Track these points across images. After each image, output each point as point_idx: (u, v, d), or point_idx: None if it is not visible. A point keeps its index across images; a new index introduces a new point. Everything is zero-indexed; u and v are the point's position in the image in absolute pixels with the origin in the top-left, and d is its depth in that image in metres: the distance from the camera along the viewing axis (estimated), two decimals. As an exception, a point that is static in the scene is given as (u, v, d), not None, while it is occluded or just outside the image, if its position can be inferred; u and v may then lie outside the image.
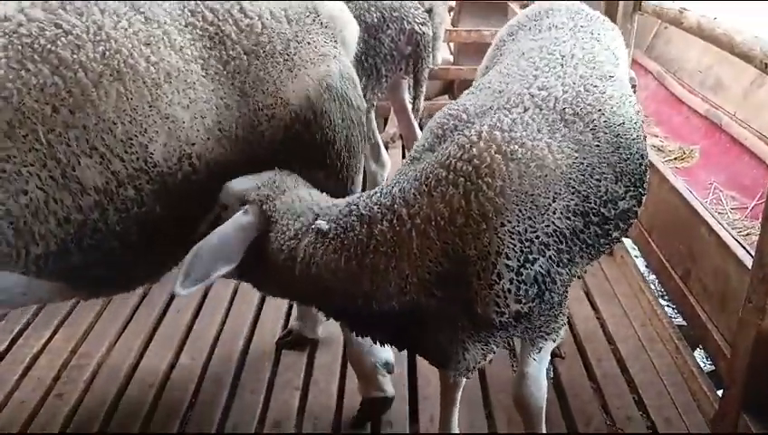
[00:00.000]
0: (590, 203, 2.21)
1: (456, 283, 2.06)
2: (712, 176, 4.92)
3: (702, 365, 3.68)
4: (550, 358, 3.67)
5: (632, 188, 2.38)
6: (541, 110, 2.23)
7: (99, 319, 4.06)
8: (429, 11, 4.32)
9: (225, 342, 3.87)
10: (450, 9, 7.47)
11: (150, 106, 2.28)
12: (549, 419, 2.88)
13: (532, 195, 2.06)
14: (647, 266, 4.61)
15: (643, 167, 2.46)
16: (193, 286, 2.12)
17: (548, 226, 2.09)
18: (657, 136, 5.71)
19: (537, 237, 2.07)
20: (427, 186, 2.08)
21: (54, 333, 3.96)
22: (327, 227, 2.21)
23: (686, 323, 3.90)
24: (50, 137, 2.13)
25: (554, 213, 2.11)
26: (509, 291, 2.06)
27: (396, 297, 2.13)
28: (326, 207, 2.30)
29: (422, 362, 3.53)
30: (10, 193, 2.07)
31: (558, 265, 2.14)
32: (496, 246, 2.02)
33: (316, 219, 2.25)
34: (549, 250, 2.10)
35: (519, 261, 2.05)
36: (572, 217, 2.15)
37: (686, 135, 5.64)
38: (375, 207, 2.16)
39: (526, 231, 2.05)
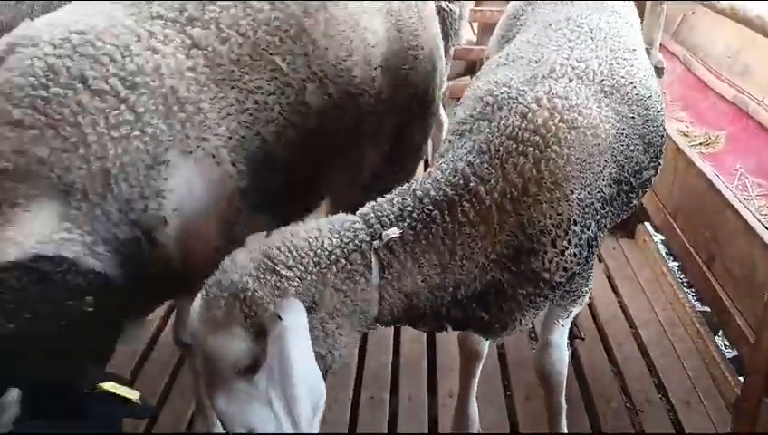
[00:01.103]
0: (625, 172, 2.27)
1: (529, 253, 2.06)
2: (738, 162, 4.86)
3: (723, 351, 3.67)
4: (570, 340, 3.72)
5: (655, 159, 2.51)
6: (582, 81, 2.24)
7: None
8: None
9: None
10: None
11: (353, 30, 2.54)
12: (568, 399, 2.89)
13: (590, 163, 2.10)
14: (668, 252, 4.59)
15: (663, 139, 2.60)
16: (314, 425, 1.80)
17: (599, 192, 2.14)
18: (682, 121, 5.64)
19: (592, 203, 2.12)
20: (498, 159, 2.02)
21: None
22: (399, 231, 1.94)
23: (707, 310, 3.88)
24: (283, 66, 2.33)
25: (603, 180, 2.15)
26: (574, 255, 2.11)
27: (480, 278, 2.05)
28: (367, 217, 1.99)
29: (440, 337, 3.57)
30: (262, 122, 2.27)
31: (599, 230, 2.21)
32: (568, 213, 2.06)
33: (374, 236, 1.94)
34: (597, 215, 2.16)
35: (581, 226, 2.10)
36: (612, 185, 2.20)
37: (712, 120, 5.57)
38: (448, 190, 2.01)
39: (586, 198, 2.10)
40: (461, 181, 2.01)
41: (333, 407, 3.20)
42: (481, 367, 2.93)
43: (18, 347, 1.81)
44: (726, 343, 3.97)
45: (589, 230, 2.13)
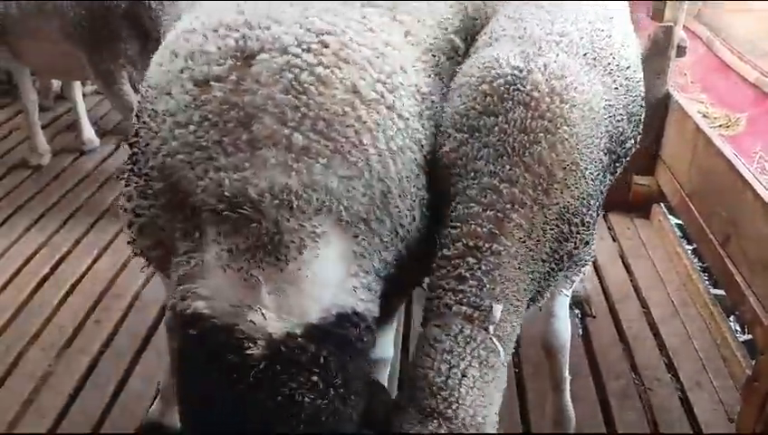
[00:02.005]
0: (613, 142, 2.27)
1: (567, 238, 2.06)
2: (758, 144, 4.81)
3: (735, 334, 3.65)
4: (581, 317, 3.72)
5: (635, 128, 2.51)
6: (568, 55, 2.22)
7: (137, 252, 4.15)
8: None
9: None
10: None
11: None
12: (577, 375, 2.90)
13: (591, 136, 2.10)
14: (683, 234, 4.56)
15: (643, 108, 2.58)
16: None
17: (600, 163, 2.15)
18: (702, 102, 5.58)
19: (598, 175, 2.13)
20: (517, 155, 1.99)
21: (96, 260, 4.05)
22: (500, 305, 1.87)
23: (721, 292, 3.86)
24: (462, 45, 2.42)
25: (601, 151, 2.16)
26: (591, 228, 2.15)
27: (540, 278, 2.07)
28: (463, 312, 1.88)
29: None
30: None
31: (600, 200, 2.23)
32: (587, 190, 2.07)
33: (485, 325, 1.86)
34: (602, 185, 2.19)
35: (596, 199, 2.14)
36: (605, 155, 2.21)
37: (733, 102, 5.51)
38: (490, 213, 1.93)
39: (594, 170, 2.11)
40: (494, 196, 1.96)
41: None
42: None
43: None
44: (738, 327, 3.96)
45: (598, 201, 2.17)
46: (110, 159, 5.45)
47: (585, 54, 2.25)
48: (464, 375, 1.80)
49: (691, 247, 4.48)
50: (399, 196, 1.88)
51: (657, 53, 4.32)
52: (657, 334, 3.61)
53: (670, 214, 4.63)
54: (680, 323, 3.67)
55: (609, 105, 2.23)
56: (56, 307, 3.67)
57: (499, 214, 1.94)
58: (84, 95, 5.74)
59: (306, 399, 1.62)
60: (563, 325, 2.70)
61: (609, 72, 2.30)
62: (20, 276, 3.90)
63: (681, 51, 4.41)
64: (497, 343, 1.88)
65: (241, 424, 1.62)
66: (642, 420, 3.11)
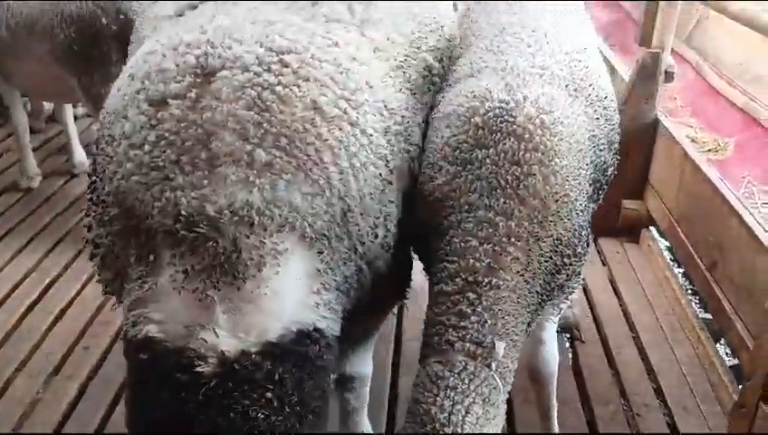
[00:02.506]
0: (597, 172, 2.30)
1: (560, 270, 2.08)
2: (746, 169, 4.85)
3: (724, 358, 3.66)
4: (570, 342, 3.73)
5: (615, 156, 2.54)
6: (552, 87, 2.25)
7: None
8: None
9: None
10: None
11: None
12: (566, 401, 2.89)
13: (579, 168, 2.13)
14: (672, 258, 4.57)
15: (619, 136, 2.62)
16: None
17: (587, 194, 2.17)
18: (691, 127, 5.62)
19: (586, 206, 2.15)
20: (510, 188, 2.01)
21: (84, 285, 4.04)
22: (503, 343, 1.89)
23: (710, 317, 3.87)
24: (436, 64, 2.45)
25: (587, 182, 2.18)
26: (582, 258, 2.17)
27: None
28: (466, 350, 1.90)
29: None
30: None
31: (588, 230, 2.25)
32: (578, 221, 2.10)
33: (487, 361, 1.88)
34: (588, 215, 2.20)
35: (587, 230, 2.16)
36: (590, 186, 2.23)
37: (721, 127, 5.55)
38: (487, 247, 1.96)
39: (583, 201, 2.13)
40: (491, 229, 1.97)
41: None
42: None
43: None
44: (728, 351, 3.96)
45: (588, 231, 2.18)
46: (102, 181, 5.43)
47: (567, 86, 2.28)
48: (467, 412, 1.81)
49: (681, 271, 4.50)
50: (361, 214, 1.86)
51: (645, 79, 4.36)
52: (645, 359, 3.62)
53: (660, 237, 4.65)
54: (669, 347, 3.68)
55: (593, 136, 2.25)
56: (44, 333, 3.66)
57: (496, 248, 1.95)
58: (75, 118, 5.74)
59: (260, 415, 1.60)
60: (551, 353, 2.70)
61: (590, 103, 2.33)
62: (8, 301, 3.89)
63: (669, 76, 4.45)
64: (499, 380, 1.89)
65: None
66: (631, 447, 3.11)
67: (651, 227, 4.66)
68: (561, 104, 2.17)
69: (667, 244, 4.61)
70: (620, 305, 4.04)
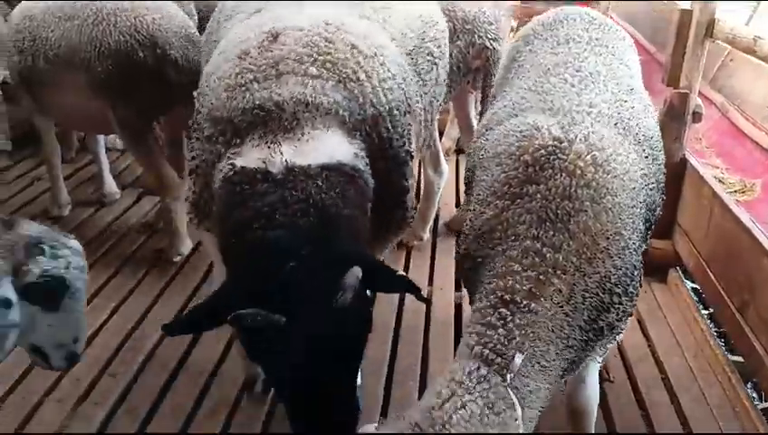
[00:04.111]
0: (649, 211, 2.31)
1: (608, 308, 2.06)
2: (773, 211, 4.83)
3: (754, 401, 3.61)
4: (599, 381, 3.69)
5: (662, 196, 2.56)
6: (602, 126, 2.25)
7: (154, 305, 4.17)
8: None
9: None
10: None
11: None
12: (595, 441, 2.84)
13: (632, 206, 2.14)
14: (698, 299, 4.54)
15: (664, 175, 2.63)
16: None
17: (640, 233, 2.17)
18: (718, 168, 5.63)
19: (639, 245, 2.16)
20: (561, 222, 2.02)
21: (113, 313, 4.06)
22: (522, 355, 1.92)
23: (739, 359, 3.83)
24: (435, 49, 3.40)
25: (639, 221, 2.18)
26: (634, 298, 2.16)
27: (576, 347, 2.05)
28: (484, 356, 1.93)
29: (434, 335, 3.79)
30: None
31: (641, 270, 2.23)
32: (631, 260, 2.09)
33: (502, 372, 1.90)
34: (639, 255, 2.18)
35: (639, 269, 2.15)
36: (643, 224, 2.23)
37: (747, 168, 5.56)
38: (531, 273, 1.99)
39: (636, 240, 2.13)
40: (537, 259, 1.99)
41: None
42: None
43: (337, 228, 2.27)
44: (756, 394, 3.91)
45: (640, 270, 2.17)
46: (130, 211, 5.51)
47: (616, 125, 2.29)
48: (463, 406, 1.81)
49: (707, 312, 4.46)
50: (390, 121, 2.60)
51: (674, 119, 4.38)
52: (674, 400, 3.57)
53: (686, 278, 4.62)
54: (698, 389, 3.63)
55: (644, 174, 2.26)
56: (73, 359, 3.66)
57: (541, 277, 1.97)
58: (107, 149, 5.83)
59: (320, 201, 2.26)
60: (593, 392, 2.66)
61: (639, 142, 2.34)
62: (37, 327, 3.90)
63: (697, 117, 4.47)
64: (512, 395, 1.87)
65: (271, 226, 2.20)
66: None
67: (678, 267, 4.63)
68: (612, 142, 2.18)
69: (694, 284, 4.58)
70: (649, 346, 4.00)
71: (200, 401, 3.42)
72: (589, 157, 2.09)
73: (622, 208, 2.07)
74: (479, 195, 2.22)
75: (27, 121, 6.38)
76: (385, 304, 4.09)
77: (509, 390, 1.88)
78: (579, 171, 2.07)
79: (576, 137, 2.15)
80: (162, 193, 4.61)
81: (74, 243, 2.49)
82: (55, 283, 2.37)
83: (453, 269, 4.44)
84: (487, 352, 1.92)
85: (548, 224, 2.03)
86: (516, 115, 2.39)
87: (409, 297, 2.62)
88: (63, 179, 5.42)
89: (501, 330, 1.93)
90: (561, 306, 1.96)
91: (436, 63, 3.30)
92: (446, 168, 4.92)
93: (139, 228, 5.19)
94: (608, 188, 2.06)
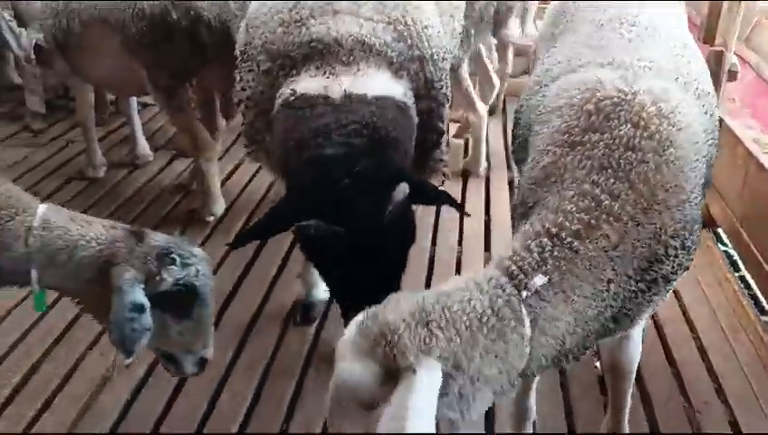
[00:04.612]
0: (707, 168, 2.28)
1: (661, 260, 2.05)
2: (809, 171, 4.76)
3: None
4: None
5: (716, 153, 2.50)
6: (662, 79, 2.24)
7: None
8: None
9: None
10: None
11: None
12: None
13: (695, 160, 2.12)
14: (730, 258, 4.52)
15: (719, 134, 2.58)
16: None
17: (700, 188, 2.17)
18: (752, 128, 5.54)
19: (699, 200, 2.15)
20: (622, 171, 2.01)
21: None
22: (545, 277, 1.91)
23: (771, 318, 3.83)
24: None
25: (701, 176, 2.17)
26: (692, 252, 2.15)
27: (623, 296, 2.04)
28: (509, 270, 1.93)
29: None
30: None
31: (700, 225, 2.22)
32: (691, 214, 2.08)
33: (521, 287, 1.89)
34: (698, 209, 2.17)
35: (699, 224, 2.15)
36: (702, 180, 2.21)
37: (783, 129, 5.47)
38: (583, 216, 1.98)
39: (698, 194, 2.13)
40: (592, 204, 1.99)
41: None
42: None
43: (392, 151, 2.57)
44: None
45: (699, 224, 2.16)
46: (163, 173, 5.59)
47: (677, 79, 2.27)
48: (469, 300, 1.84)
49: (739, 274, 4.44)
50: (433, 64, 2.90)
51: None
52: (706, 359, 3.59)
53: (717, 241, 4.60)
54: (729, 348, 3.64)
55: (705, 130, 2.24)
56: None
57: (592, 221, 1.97)
58: (138, 110, 5.89)
59: (371, 124, 2.54)
60: (635, 348, 2.64)
61: (698, 97, 2.32)
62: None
63: (732, 75, 4.41)
64: (524, 310, 1.86)
65: (329, 144, 2.49)
66: (692, 444, 3.09)
67: (711, 229, 4.61)
68: (676, 96, 2.17)
69: (725, 248, 4.56)
70: (680, 305, 4.01)
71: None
72: (653, 108, 2.08)
73: (685, 162, 2.05)
74: (537, 146, 2.22)
75: (61, 84, 6.50)
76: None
77: (522, 305, 1.88)
78: (643, 122, 2.06)
79: (640, 89, 2.13)
80: (195, 154, 4.67)
81: (199, 251, 2.52)
82: (187, 291, 2.41)
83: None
84: (514, 268, 1.92)
85: (609, 171, 2.02)
86: (574, 71, 2.38)
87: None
88: (97, 141, 5.50)
89: (536, 255, 1.94)
90: (607, 251, 1.96)
91: (459, 33, 3.80)
92: (484, 108, 5.48)
93: (173, 189, 5.27)
94: (671, 141, 2.05)
